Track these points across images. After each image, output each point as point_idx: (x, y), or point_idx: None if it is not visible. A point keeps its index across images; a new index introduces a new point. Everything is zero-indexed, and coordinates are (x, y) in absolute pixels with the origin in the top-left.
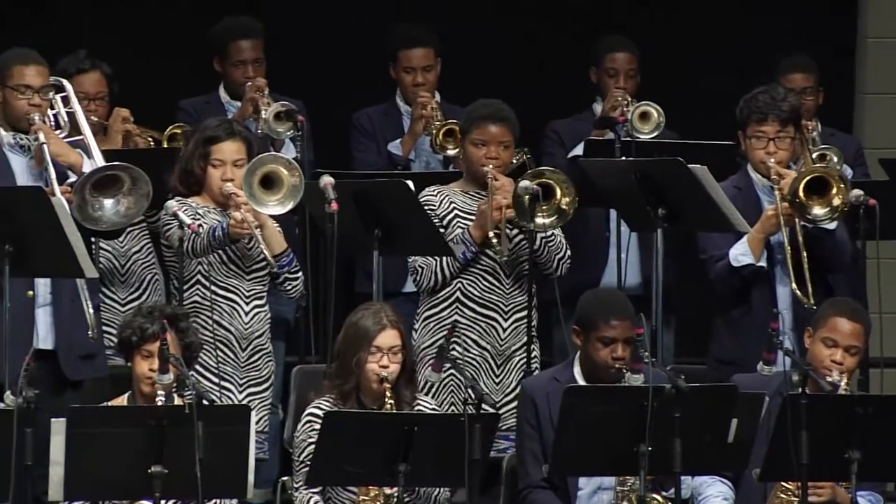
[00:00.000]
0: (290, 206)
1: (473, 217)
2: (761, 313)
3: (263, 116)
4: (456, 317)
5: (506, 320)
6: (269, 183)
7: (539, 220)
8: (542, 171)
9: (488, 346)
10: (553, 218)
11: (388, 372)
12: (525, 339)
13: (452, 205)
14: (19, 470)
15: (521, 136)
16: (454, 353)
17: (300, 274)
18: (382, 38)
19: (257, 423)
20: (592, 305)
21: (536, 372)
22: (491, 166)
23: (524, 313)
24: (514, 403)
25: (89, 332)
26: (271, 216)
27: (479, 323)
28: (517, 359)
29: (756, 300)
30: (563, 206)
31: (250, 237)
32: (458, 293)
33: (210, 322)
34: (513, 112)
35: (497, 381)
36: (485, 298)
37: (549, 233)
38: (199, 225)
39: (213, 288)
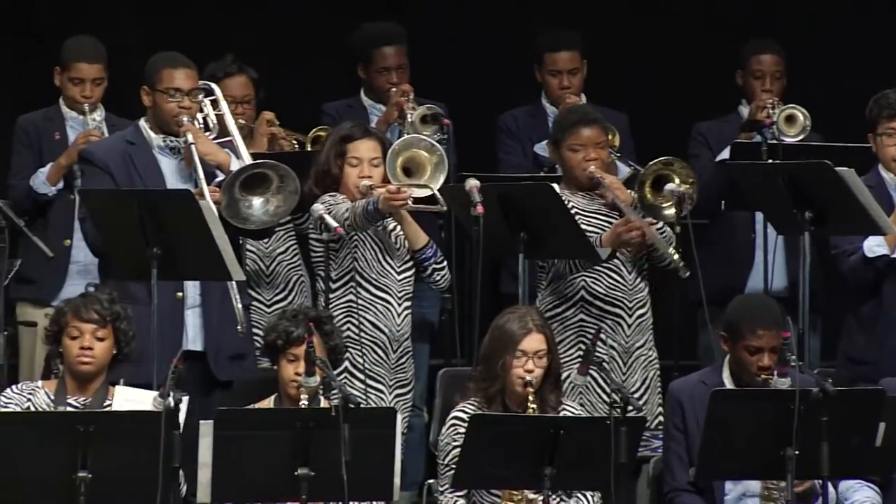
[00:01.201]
0: (436, 186)
1: (594, 215)
2: (894, 310)
3: (409, 120)
4: (581, 315)
5: (630, 316)
6: (410, 171)
7: (666, 212)
8: (670, 162)
9: (615, 344)
10: (675, 209)
11: (533, 376)
12: (647, 334)
13: (570, 204)
14: (168, 471)
15: (664, 138)
16: (599, 354)
17: (446, 263)
18: (529, 41)
19: None
20: (739, 313)
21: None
22: (592, 167)
23: (646, 308)
24: (641, 401)
25: (238, 327)
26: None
27: (605, 320)
28: (641, 356)
29: (888, 296)
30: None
31: (396, 220)
32: (582, 292)
33: (364, 322)
34: (599, 114)
35: (623, 378)
36: (610, 295)
37: (659, 224)
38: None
39: (368, 288)
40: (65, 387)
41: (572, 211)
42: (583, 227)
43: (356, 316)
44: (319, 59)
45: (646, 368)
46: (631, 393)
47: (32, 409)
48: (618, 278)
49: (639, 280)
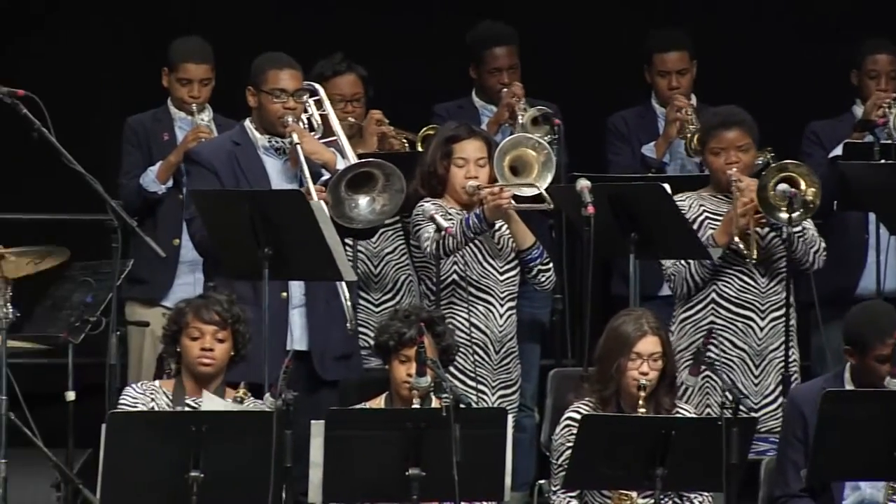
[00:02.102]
0: (543, 185)
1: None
2: None
3: (520, 122)
4: (712, 318)
5: (763, 319)
6: (518, 169)
7: (786, 216)
8: (785, 165)
9: (746, 347)
10: (800, 211)
11: (648, 379)
12: (783, 338)
13: (702, 208)
14: (280, 471)
15: (775, 137)
16: (711, 356)
17: (551, 265)
18: (638, 42)
19: None
20: (864, 324)
21: (796, 376)
22: (734, 170)
23: (781, 312)
24: (773, 406)
25: (347, 325)
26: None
27: (736, 323)
28: (776, 360)
29: None
30: (809, 198)
31: (503, 220)
32: (713, 294)
33: (466, 324)
34: (748, 115)
35: (756, 381)
36: (741, 298)
37: (800, 227)
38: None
39: (469, 289)
40: (183, 387)
41: (703, 216)
42: (710, 230)
43: (457, 317)
44: (431, 58)
45: (780, 372)
46: (765, 395)
47: (156, 408)
48: (749, 281)
49: (773, 283)
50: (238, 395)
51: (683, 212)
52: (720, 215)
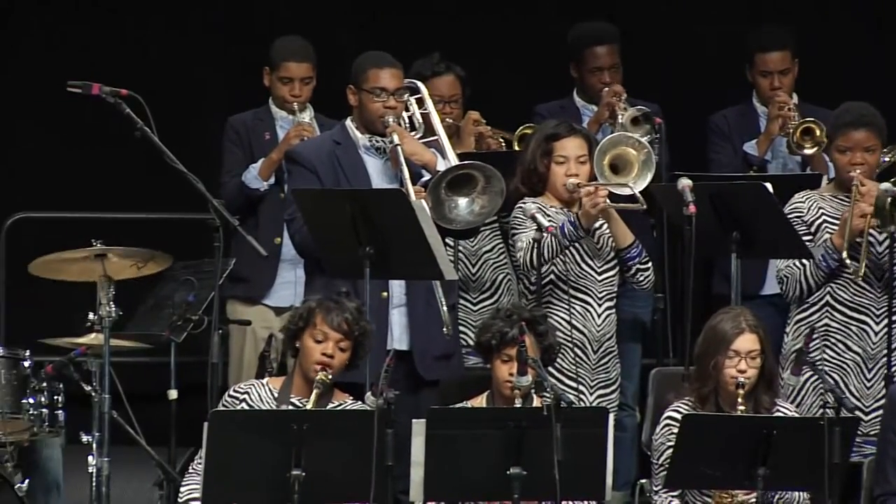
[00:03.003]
0: (643, 184)
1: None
2: None
3: (620, 121)
4: (826, 321)
5: (877, 324)
6: (618, 168)
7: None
8: None
9: (859, 351)
10: None
11: (745, 377)
12: None
13: (821, 210)
14: (381, 470)
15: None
16: (814, 356)
17: (650, 264)
18: (742, 40)
19: None
20: None
21: None
22: (858, 171)
23: None
24: None
25: (444, 330)
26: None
27: (850, 327)
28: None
29: None
30: None
31: (603, 219)
32: (828, 297)
33: (565, 323)
34: (878, 115)
35: (868, 385)
36: (856, 302)
37: None
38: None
39: (566, 289)
40: (291, 385)
41: (821, 219)
42: (828, 233)
43: (556, 317)
44: (531, 58)
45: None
46: (876, 399)
47: (252, 404)
48: (864, 285)
49: (887, 288)
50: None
51: (800, 213)
52: (839, 218)
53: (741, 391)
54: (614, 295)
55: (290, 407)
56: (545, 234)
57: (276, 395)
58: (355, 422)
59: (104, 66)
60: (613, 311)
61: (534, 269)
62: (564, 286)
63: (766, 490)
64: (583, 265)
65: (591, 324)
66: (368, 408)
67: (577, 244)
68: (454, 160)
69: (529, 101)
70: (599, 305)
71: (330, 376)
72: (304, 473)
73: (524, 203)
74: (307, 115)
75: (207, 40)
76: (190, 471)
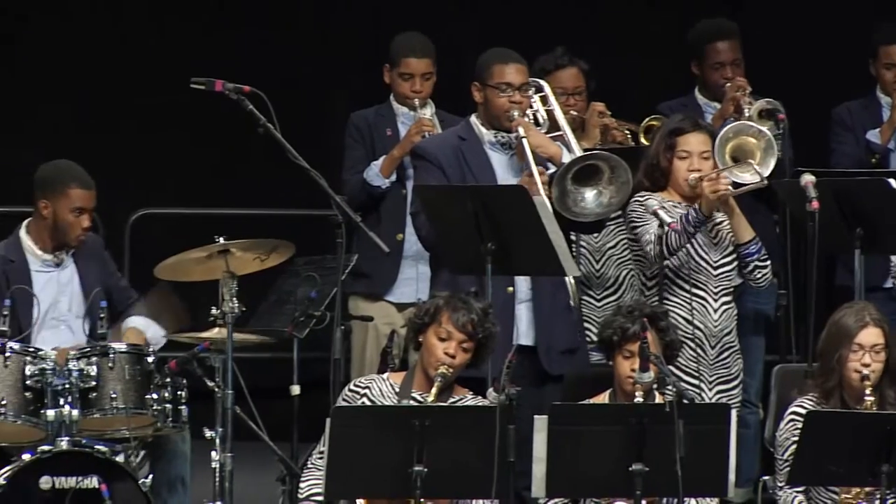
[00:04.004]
0: (766, 172)
1: None
2: None
3: (746, 115)
4: None
5: None
6: (739, 159)
7: None
8: None
9: None
10: None
11: (870, 370)
12: None
13: None
14: (503, 465)
15: None
16: None
17: (769, 262)
18: (865, 33)
19: None
20: None
21: None
22: None
23: None
24: None
25: (570, 302)
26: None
27: None
28: None
29: None
30: None
31: (724, 212)
32: None
33: (682, 320)
34: None
35: None
36: None
37: None
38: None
39: (684, 285)
40: (412, 380)
41: None
42: None
43: (674, 313)
44: (655, 54)
45: None
46: None
47: (374, 398)
48: None
49: None
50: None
51: None
52: None
53: (867, 384)
54: (731, 290)
55: (412, 402)
56: (668, 231)
57: (397, 389)
58: (477, 418)
59: (228, 63)
60: (732, 305)
61: (669, 253)
62: (680, 280)
63: (889, 487)
64: (698, 259)
65: (709, 319)
66: (490, 404)
67: (693, 238)
68: (579, 154)
69: (653, 100)
70: (716, 300)
71: (451, 370)
72: (425, 469)
73: (644, 198)
74: (428, 111)
75: (330, 37)
76: (309, 466)
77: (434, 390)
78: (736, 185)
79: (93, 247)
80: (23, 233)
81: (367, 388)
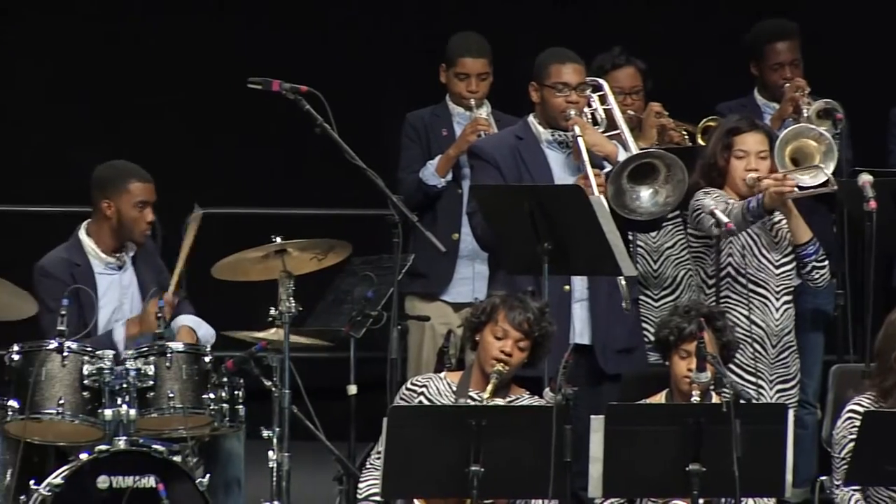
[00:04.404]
0: (821, 177)
1: None
2: None
3: (805, 115)
4: None
5: None
6: (799, 161)
7: None
8: None
9: None
10: None
11: None
12: None
13: None
14: (559, 465)
15: None
16: None
17: (827, 263)
18: None
19: None
20: None
21: None
22: None
23: None
24: None
25: (623, 304)
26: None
27: None
28: None
29: None
30: None
31: (782, 214)
32: None
33: (744, 318)
34: None
35: None
36: None
37: None
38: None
39: (744, 283)
40: (469, 378)
41: None
42: None
43: (734, 312)
44: (712, 54)
45: None
46: None
47: (431, 397)
48: None
49: None
50: (497, 370)
51: None
52: None
53: None
54: (792, 289)
55: (469, 401)
56: (724, 231)
57: (454, 388)
58: (534, 417)
59: (285, 63)
60: (791, 305)
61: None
62: (742, 279)
63: None
64: (760, 258)
65: (770, 318)
66: (547, 403)
67: (755, 237)
68: (636, 152)
69: (711, 100)
70: (777, 299)
71: (507, 368)
72: (482, 469)
73: (702, 198)
74: (484, 111)
75: (385, 37)
76: (367, 466)
77: (490, 388)
78: (800, 187)
79: (148, 249)
80: (83, 235)
81: (425, 387)
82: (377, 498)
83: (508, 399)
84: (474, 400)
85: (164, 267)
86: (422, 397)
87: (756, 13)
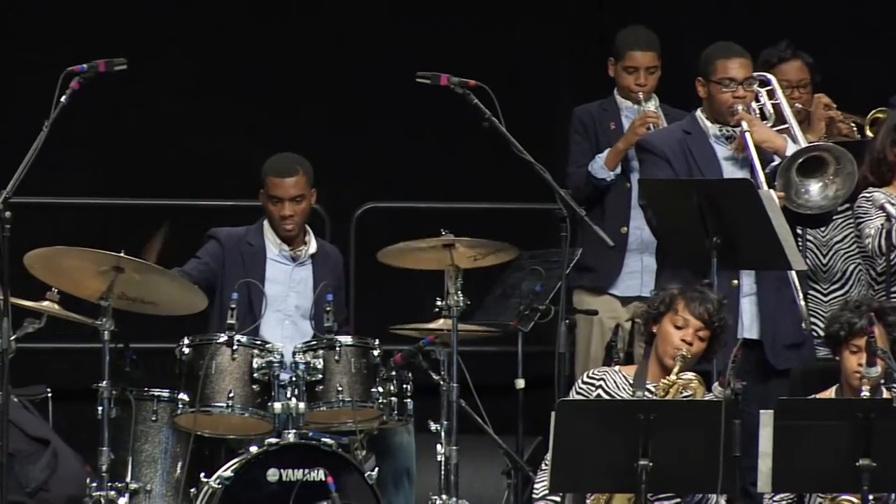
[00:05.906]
0: None
1: None
2: None
3: None
4: None
5: None
6: None
7: None
8: None
9: None
10: None
11: None
12: None
13: None
14: (728, 460)
15: None
16: None
17: None
18: None
19: None
20: None
21: None
22: None
23: None
24: None
25: (802, 325)
26: None
27: None
28: None
29: None
30: None
31: None
32: None
33: None
34: None
35: None
36: None
37: None
38: None
39: None
40: (646, 371)
41: None
42: None
43: None
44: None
45: None
46: None
47: (609, 391)
48: None
49: None
50: (682, 354)
51: None
52: None
53: None
54: None
55: (647, 394)
56: (894, 224)
57: (631, 381)
58: (703, 412)
59: (451, 57)
60: None
61: (882, 256)
62: None
63: None
64: None
65: None
66: (715, 398)
67: None
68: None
69: (885, 91)
70: None
71: (691, 354)
72: (651, 463)
73: (871, 192)
74: (652, 104)
75: (554, 32)
76: (543, 467)
77: (676, 369)
78: None
79: (334, 257)
80: (266, 221)
81: (602, 380)
82: (555, 497)
83: (681, 395)
84: (651, 393)
85: (342, 277)
86: (600, 391)
87: None
